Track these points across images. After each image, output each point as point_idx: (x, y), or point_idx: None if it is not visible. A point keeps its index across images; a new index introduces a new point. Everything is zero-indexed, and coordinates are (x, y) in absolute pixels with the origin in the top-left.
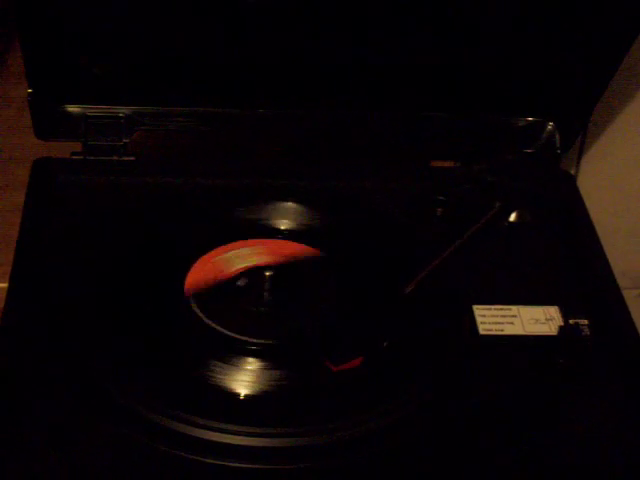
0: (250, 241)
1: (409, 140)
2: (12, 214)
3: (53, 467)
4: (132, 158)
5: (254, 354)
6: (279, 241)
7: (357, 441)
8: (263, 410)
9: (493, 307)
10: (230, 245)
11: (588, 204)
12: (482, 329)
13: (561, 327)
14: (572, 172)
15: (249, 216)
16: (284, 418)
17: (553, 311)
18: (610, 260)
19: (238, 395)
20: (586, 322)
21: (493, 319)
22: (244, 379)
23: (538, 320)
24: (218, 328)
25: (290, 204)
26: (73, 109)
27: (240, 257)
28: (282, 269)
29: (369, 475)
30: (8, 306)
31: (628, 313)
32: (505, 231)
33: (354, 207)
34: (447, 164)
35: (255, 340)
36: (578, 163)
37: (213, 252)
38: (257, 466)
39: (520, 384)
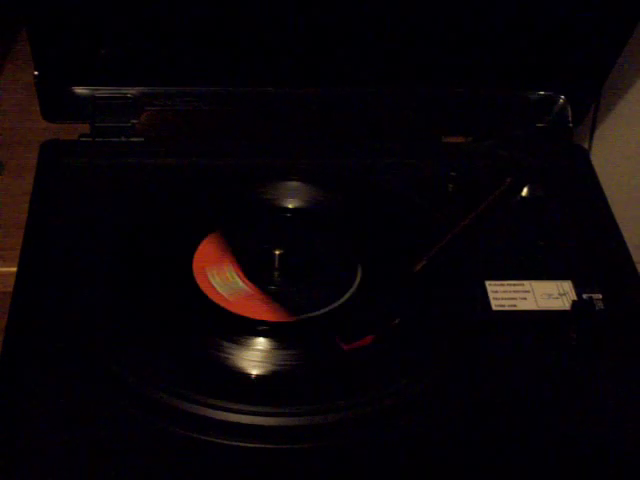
0: None
1: (420, 116)
2: (22, 198)
3: (65, 451)
4: (140, 139)
5: (264, 334)
6: None
7: (368, 420)
8: (274, 390)
9: (505, 282)
10: None
11: (601, 178)
12: (495, 305)
13: (574, 302)
14: (585, 146)
15: (258, 196)
16: (295, 397)
17: (566, 286)
18: (623, 234)
19: (249, 375)
20: (600, 296)
21: (506, 294)
22: (255, 359)
23: (551, 295)
24: (228, 308)
25: (299, 183)
26: (80, 91)
27: None
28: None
29: (380, 454)
30: (17, 289)
31: None
32: (517, 206)
33: (364, 184)
34: (458, 140)
35: (265, 320)
36: (591, 137)
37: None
38: (268, 446)
39: (533, 359)
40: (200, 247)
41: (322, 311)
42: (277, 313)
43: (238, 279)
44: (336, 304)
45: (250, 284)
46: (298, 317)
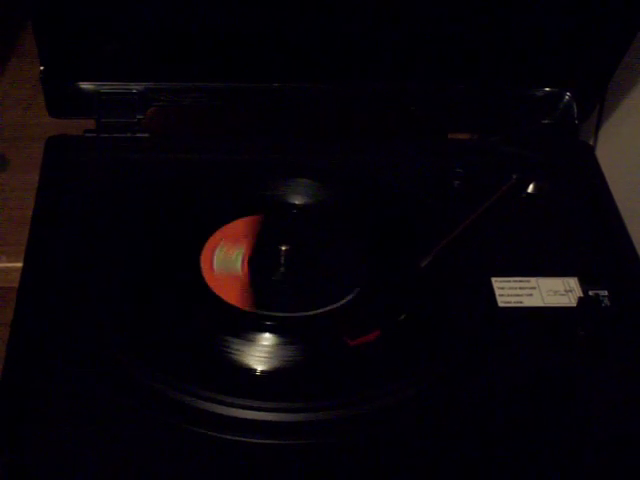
0: None
1: (426, 112)
2: (28, 193)
3: (72, 446)
4: (146, 135)
5: (270, 329)
6: None
7: (374, 416)
8: (280, 385)
9: (512, 279)
10: None
11: (607, 174)
12: (501, 301)
13: (580, 298)
14: (591, 143)
15: (263, 192)
16: (301, 393)
17: (572, 282)
18: (629, 230)
19: (254, 371)
20: (606, 293)
21: (512, 291)
22: (260, 355)
23: (557, 292)
24: (235, 303)
25: (305, 179)
26: (86, 86)
27: None
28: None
29: (386, 450)
30: (23, 285)
31: None
32: (523, 202)
33: (370, 180)
34: (464, 136)
35: (271, 315)
36: (596, 133)
37: None
38: (274, 441)
39: (539, 356)
40: (236, 221)
41: (328, 307)
42: (245, 302)
43: (239, 262)
44: (342, 300)
45: (246, 270)
46: (260, 312)
